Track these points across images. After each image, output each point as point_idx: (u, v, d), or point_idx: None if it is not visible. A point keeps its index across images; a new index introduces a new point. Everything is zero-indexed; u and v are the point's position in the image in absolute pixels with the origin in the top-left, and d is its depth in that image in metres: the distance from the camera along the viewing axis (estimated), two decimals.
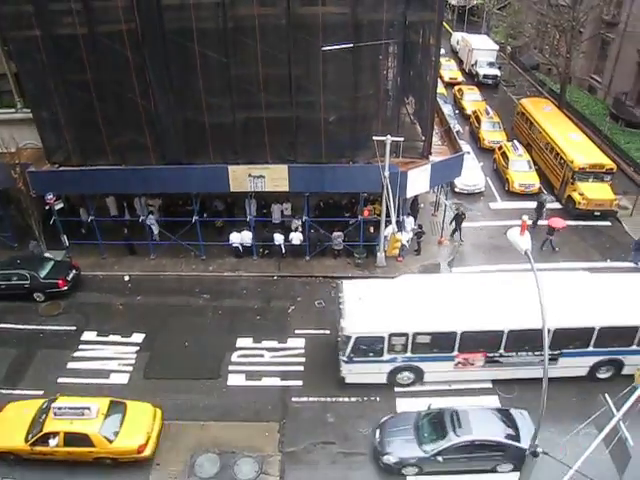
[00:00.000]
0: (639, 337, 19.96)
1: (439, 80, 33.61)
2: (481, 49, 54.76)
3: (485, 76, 52.14)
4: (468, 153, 32.08)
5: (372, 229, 26.85)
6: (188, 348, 22.45)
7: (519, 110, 40.65)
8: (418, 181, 25.06)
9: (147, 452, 17.66)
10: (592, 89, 48.17)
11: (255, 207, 27.03)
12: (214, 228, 27.84)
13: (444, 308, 19.80)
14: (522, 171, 34.02)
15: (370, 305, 19.91)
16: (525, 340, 19.60)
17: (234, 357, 22.00)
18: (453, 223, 29.14)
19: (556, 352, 19.93)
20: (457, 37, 61.79)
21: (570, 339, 19.84)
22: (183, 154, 24.35)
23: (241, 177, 24.32)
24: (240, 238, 26.66)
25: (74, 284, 25.23)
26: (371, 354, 19.67)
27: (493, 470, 17.65)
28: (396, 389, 20.75)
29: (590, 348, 19.98)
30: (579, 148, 33.04)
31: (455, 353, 19.90)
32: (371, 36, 22.57)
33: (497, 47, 56.45)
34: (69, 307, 24.61)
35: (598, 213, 31.05)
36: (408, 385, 20.58)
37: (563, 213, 31.75)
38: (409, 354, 19.82)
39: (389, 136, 22.97)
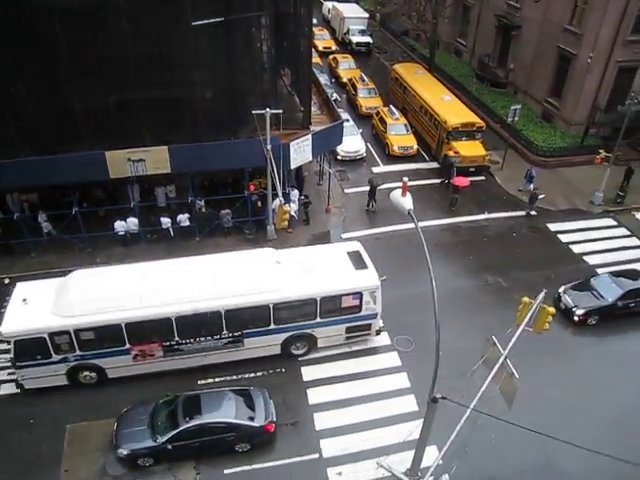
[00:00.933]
0: (320, 310, 20.18)
1: (313, 50, 33.81)
2: (352, 17, 55.48)
3: (358, 44, 52.99)
4: (347, 121, 32.81)
5: (259, 203, 26.90)
6: None
7: (393, 75, 41.84)
8: (301, 152, 25.33)
9: None
10: (458, 52, 50.45)
11: (138, 192, 26.18)
12: (97, 218, 26.61)
13: (110, 300, 18.62)
14: (400, 134, 35.25)
15: (35, 306, 18.53)
16: (199, 324, 19.25)
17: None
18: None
19: (237, 334, 19.84)
20: (328, 6, 62.14)
21: (249, 319, 19.72)
22: (55, 143, 22.91)
23: (120, 162, 23.37)
24: (125, 225, 25.74)
25: None
26: (39, 356, 18.44)
27: (231, 450, 17.77)
28: (299, 358, 21.19)
29: (272, 326, 19.98)
30: (451, 109, 34.72)
31: (128, 346, 19.04)
32: (242, 8, 22.31)
33: (367, 15, 57.47)
34: None
35: (473, 169, 32.88)
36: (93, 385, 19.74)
37: (440, 172, 33.36)
38: (79, 352, 18.75)
39: (268, 109, 22.94)
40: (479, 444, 17.56)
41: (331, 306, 20.29)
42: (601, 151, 31.25)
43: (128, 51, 21.58)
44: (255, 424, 17.60)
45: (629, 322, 23.81)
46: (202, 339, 19.58)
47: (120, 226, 25.64)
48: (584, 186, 32.65)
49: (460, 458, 16.09)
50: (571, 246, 28.26)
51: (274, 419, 18.08)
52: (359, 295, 20.35)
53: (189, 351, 19.75)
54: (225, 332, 19.66)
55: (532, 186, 31.27)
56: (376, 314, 20.95)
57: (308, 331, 20.53)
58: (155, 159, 23.60)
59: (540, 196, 30.20)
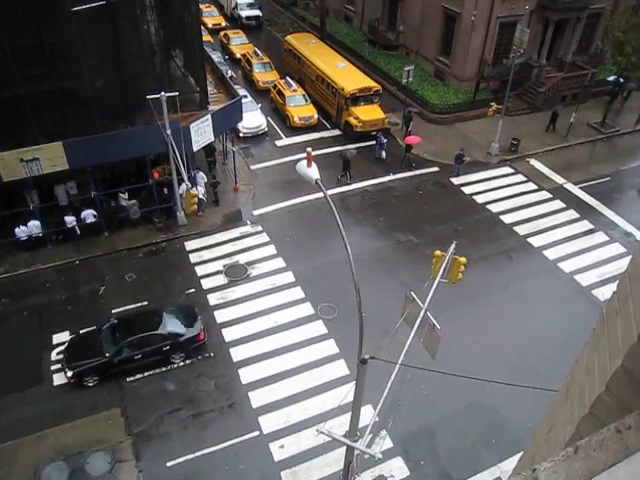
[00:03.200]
0: None
1: (203, 28, 33.04)
2: None
3: (247, 18, 52.11)
4: (245, 97, 32.47)
5: (166, 190, 26.30)
6: None
7: (286, 47, 41.58)
8: (202, 133, 24.90)
9: None
10: (348, 19, 50.76)
11: (37, 193, 24.86)
12: None
13: None
14: (299, 105, 35.28)
15: None
16: None
17: (54, 355, 20.56)
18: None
19: None
20: None
21: None
22: None
23: (12, 164, 22.02)
24: (27, 230, 24.44)
25: None
26: None
27: None
28: (227, 339, 21.15)
29: None
30: (347, 75, 35.04)
31: None
32: None
33: None
34: None
35: (374, 132, 33.46)
36: None
37: (343, 139, 33.85)
38: None
39: (163, 93, 22.31)
40: (411, 396, 18.32)
41: None
42: (492, 104, 32.69)
43: (3, 42, 20.23)
44: None
45: None
46: None
47: (21, 232, 24.33)
48: (480, 138, 34.10)
49: (395, 413, 16.75)
50: (474, 197, 29.56)
51: None
52: None
53: None
54: None
55: (384, 153, 31.85)
56: None
57: None
58: (50, 156, 22.43)
59: (466, 158, 30.98)
